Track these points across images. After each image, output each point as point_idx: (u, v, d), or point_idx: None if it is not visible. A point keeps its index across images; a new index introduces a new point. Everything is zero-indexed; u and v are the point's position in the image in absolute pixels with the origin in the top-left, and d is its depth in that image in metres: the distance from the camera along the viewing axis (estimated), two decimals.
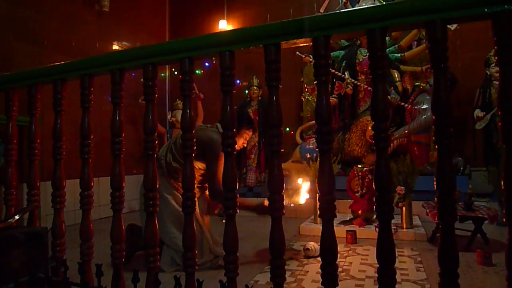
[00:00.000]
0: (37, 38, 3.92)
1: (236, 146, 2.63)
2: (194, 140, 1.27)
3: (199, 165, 2.39)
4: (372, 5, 1.03)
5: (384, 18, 1.00)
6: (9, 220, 1.43)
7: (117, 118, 1.40)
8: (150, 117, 1.34)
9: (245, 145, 2.83)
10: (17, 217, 1.43)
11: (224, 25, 5.90)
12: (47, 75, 1.55)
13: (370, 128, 4.09)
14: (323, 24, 1.06)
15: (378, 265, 1.02)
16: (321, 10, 4.71)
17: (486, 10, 0.93)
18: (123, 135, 1.41)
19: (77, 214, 3.90)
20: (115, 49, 5.12)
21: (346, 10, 1.05)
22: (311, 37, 1.09)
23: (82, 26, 4.50)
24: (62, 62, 1.52)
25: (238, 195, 1.22)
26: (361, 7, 1.05)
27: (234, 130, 1.21)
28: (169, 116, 5.31)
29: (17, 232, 1.33)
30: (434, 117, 0.98)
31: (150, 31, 5.92)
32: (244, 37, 1.17)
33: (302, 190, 2.91)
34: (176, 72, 5.68)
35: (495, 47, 0.94)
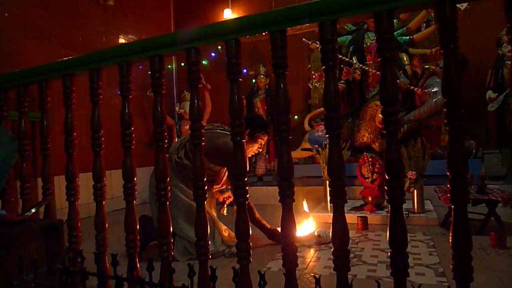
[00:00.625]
0: (44, 35, 3.95)
1: (251, 151, 2.64)
2: (203, 130, 1.28)
3: (212, 167, 2.42)
4: None
5: None
6: (26, 214, 1.46)
7: (126, 111, 1.41)
8: (159, 109, 1.35)
9: (260, 150, 2.78)
10: (33, 210, 1.46)
11: (229, 14, 5.85)
12: (56, 70, 1.57)
13: (379, 113, 4.06)
14: (329, 8, 1.04)
15: (390, 250, 1.03)
16: None
17: None
18: (133, 128, 1.42)
19: (91, 207, 3.97)
20: (122, 42, 5.13)
21: None
22: (317, 21, 1.07)
23: (88, 21, 4.52)
24: (70, 57, 1.53)
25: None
26: None
27: (242, 120, 1.21)
28: (177, 108, 5.34)
29: (35, 224, 1.37)
30: (444, 99, 0.96)
31: (156, 23, 5.91)
32: (249, 25, 1.16)
33: (307, 222, 2.83)
34: (183, 64, 5.67)
35: (507, 25, 0.92)
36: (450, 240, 0.96)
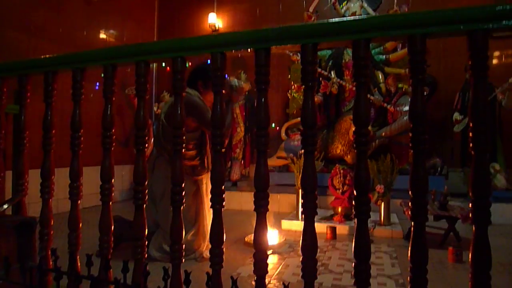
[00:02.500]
0: (24, 25, 3.86)
1: (210, 100, 2.67)
2: (184, 137, 1.32)
3: (189, 139, 2.46)
4: (357, 18, 1.09)
5: (368, 30, 1.07)
6: None
7: (109, 113, 1.43)
8: (142, 113, 1.38)
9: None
10: (5, 206, 1.45)
11: (214, 18, 5.89)
12: (39, 66, 1.56)
13: (353, 127, 4.20)
14: (311, 33, 1.11)
15: (355, 261, 1.10)
16: (310, 9, 4.78)
17: (461, 27, 1.01)
18: (113, 130, 1.44)
19: (60, 203, 3.88)
20: (103, 38, 5.07)
21: (334, 21, 1.10)
22: (300, 43, 1.14)
23: (69, 14, 4.44)
24: (55, 55, 1.53)
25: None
26: (347, 19, 1.11)
27: (223, 129, 1.26)
28: (155, 108, 5.32)
29: (7, 221, 1.36)
30: (411, 124, 1.05)
31: (138, 20, 5.88)
32: (236, 41, 1.22)
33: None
34: (164, 64, 5.66)
35: (469, 62, 1.02)
36: (409, 254, 1.04)
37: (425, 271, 1.03)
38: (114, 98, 1.46)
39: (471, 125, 1.01)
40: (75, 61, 1.49)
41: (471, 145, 1.01)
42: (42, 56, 1.55)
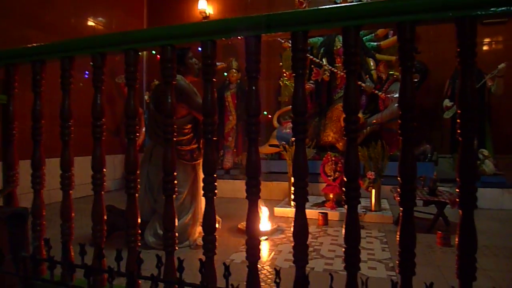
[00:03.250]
0: (9, 12, 3.76)
1: (192, 76, 2.64)
2: (176, 127, 1.32)
3: (183, 124, 2.46)
4: (347, 4, 1.09)
5: (358, 17, 1.07)
6: None
7: (98, 102, 1.42)
8: (132, 102, 1.37)
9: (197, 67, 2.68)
10: None
11: (204, 5, 5.81)
12: (26, 55, 1.54)
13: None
14: (302, 20, 1.11)
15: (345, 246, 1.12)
16: None
17: (450, 14, 1.01)
18: (104, 119, 1.43)
19: (52, 193, 3.86)
20: (91, 25, 4.98)
21: (323, 7, 1.10)
22: (290, 31, 1.14)
23: (57, 1, 4.35)
24: (42, 43, 1.50)
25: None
26: (337, 5, 1.11)
27: (216, 117, 1.26)
28: (146, 97, 5.27)
29: None
30: (400, 112, 1.06)
31: (128, 8, 5.77)
32: (226, 28, 1.21)
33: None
34: (154, 52, 5.58)
35: (457, 49, 1.03)
36: (397, 239, 1.07)
37: (413, 255, 1.06)
38: (103, 87, 1.45)
39: (458, 111, 1.03)
40: (63, 50, 1.47)
41: (458, 131, 1.03)
42: (29, 45, 1.52)
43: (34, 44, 1.53)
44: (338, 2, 4.58)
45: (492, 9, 0.98)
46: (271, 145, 4.62)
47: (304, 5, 4.63)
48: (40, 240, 1.47)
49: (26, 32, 3.90)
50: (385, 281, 1.84)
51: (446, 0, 1.00)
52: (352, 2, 4.50)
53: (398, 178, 1.06)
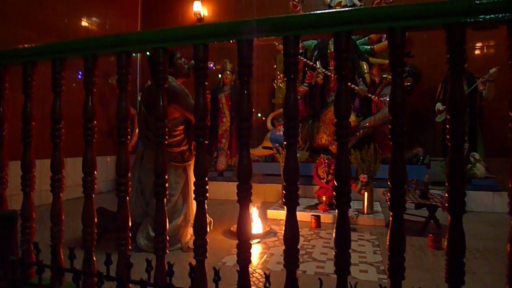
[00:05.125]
0: (2, 12, 3.73)
1: (182, 76, 2.62)
2: (167, 130, 1.31)
3: (174, 126, 2.44)
4: (339, 10, 1.10)
5: (350, 22, 1.08)
6: None
7: (90, 104, 1.41)
8: (123, 104, 1.36)
9: (187, 67, 2.68)
10: None
11: (199, 7, 5.81)
12: (17, 56, 1.53)
13: None
14: (294, 25, 1.12)
15: (335, 249, 1.13)
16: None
17: (440, 21, 1.02)
18: (95, 122, 1.43)
19: (43, 195, 3.83)
20: (85, 26, 4.95)
21: (316, 12, 1.10)
22: (282, 35, 1.14)
23: (49, 1, 4.31)
24: (33, 44, 1.49)
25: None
26: (329, 11, 1.12)
27: (207, 120, 1.26)
28: (139, 98, 5.24)
29: None
30: (390, 117, 1.07)
31: (122, 9, 5.75)
32: (218, 32, 1.21)
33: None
34: (148, 53, 5.56)
35: (447, 55, 1.04)
36: (387, 243, 1.07)
37: (402, 259, 1.06)
38: (95, 90, 1.44)
39: (448, 117, 1.04)
40: (55, 51, 1.46)
41: (448, 137, 1.04)
42: (20, 46, 1.51)
43: (25, 45, 1.51)
44: (332, 6, 4.61)
45: (481, 16, 0.99)
46: (264, 147, 4.63)
47: (298, 8, 4.65)
48: (29, 244, 1.46)
49: (18, 32, 3.87)
50: (376, 284, 1.85)
51: (436, 7, 1.02)
52: (346, 5, 4.53)
53: (388, 183, 1.07)
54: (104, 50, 1.39)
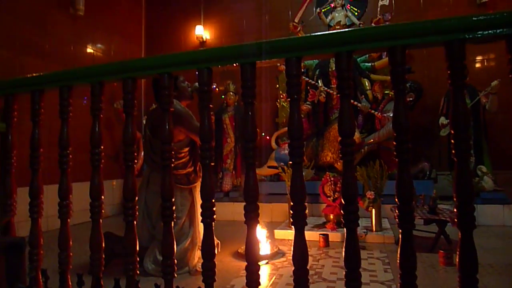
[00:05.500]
0: (10, 42, 3.84)
1: (187, 99, 2.64)
2: (173, 152, 1.32)
3: (180, 148, 2.45)
4: (339, 31, 1.12)
5: (350, 42, 1.10)
6: None
7: (97, 130, 1.43)
8: (130, 129, 1.38)
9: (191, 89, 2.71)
10: None
11: (201, 30, 5.94)
12: (25, 85, 1.56)
13: None
14: (295, 47, 1.14)
15: (345, 269, 1.11)
16: (296, 20, 4.85)
17: (439, 38, 1.04)
18: (102, 147, 1.44)
19: (50, 220, 3.83)
20: (90, 52, 5.07)
21: (316, 34, 1.13)
22: (284, 57, 1.17)
23: (56, 29, 4.44)
24: (41, 73, 1.53)
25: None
26: (330, 32, 1.14)
27: (213, 142, 1.27)
28: (144, 121, 5.29)
29: None
30: (394, 134, 1.08)
31: (126, 35, 5.89)
32: (221, 56, 1.24)
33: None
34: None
35: (448, 71, 1.06)
36: (397, 261, 1.06)
37: (414, 277, 1.04)
38: (102, 115, 1.46)
39: (452, 132, 1.04)
40: (62, 79, 1.49)
41: (453, 152, 1.04)
42: (29, 75, 1.55)
43: (34, 74, 1.55)
44: (332, 25, 4.69)
45: (479, 32, 1.01)
46: (269, 167, 4.62)
47: (298, 29, 4.73)
48: (38, 271, 1.45)
49: (25, 60, 3.97)
50: None
51: (434, 24, 1.04)
52: (346, 24, 4.61)
53: (396, 200, 1.06)
54: (110, 76, 1.42)
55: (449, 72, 1.05)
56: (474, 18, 1.00)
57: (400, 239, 1.06)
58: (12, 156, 1.63)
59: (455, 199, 1.01)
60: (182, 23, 6.24)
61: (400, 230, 1.06)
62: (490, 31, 1.00)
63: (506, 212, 3.71)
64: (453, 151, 1.03)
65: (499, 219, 3.72)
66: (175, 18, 6.30)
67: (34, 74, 1.56)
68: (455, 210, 1.03)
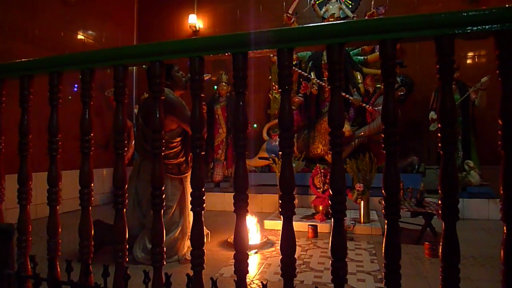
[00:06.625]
0: None
1: (181, 89, 2.64)
2: (164, 141, 1.33)
3: (171, 137, 2.45)
4: (332, 23, 1.13)
5: (342, 35, 1.10)
6: None
7: (87, 117, 1.42)
8: (120, 117, 1.38)
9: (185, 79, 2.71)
10: None
11: (194, 19, 5.88)
12: (14, 70, 1.54)
13: None
14: (287, 37, 1.14)
15: (332, 258, 1.14)
16: (290, 11, 4.83)
17: (430, 33, 1.06)
18: (92, 134, 1.44)
19: (39, 208, 3.81)
20: (81, 39, 4.99)
21: (309, 25, 1.13)
22: (276, 48, 1.17)
23: (46, 15, 4.36)
24: (31, 58, 1.51)
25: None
26: (321, 24, 1.15)
27: (204, 131, 1.28)
28: (136, 110, 5.26)
29: None
30: (383, 126, 1.09)
31: (118, 22, 5.80)
32: (213, 45, 1.24)
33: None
34: (144, 66, 5.60)
35: (437, 66, 1.07)
36: (383, 251, 1.08)
37: (398, 267, 1.07)
38: (92, 103, 1.45)
39: (439, 126, 1.06)
40: (52, 65, 1.47)
41: (439, 145, 1.06)
42: (18, 60, 1.53)
43: (23, 59, 1.53)
44: (326, 17, 4.68)
45: (468, 28, 1.02)
46: (260, 158, 4.64)
47: (292, 20, 4.72)
48: (26, 257, 1.45)
49: (14, 45, 3.89)
50: None
51: (425, 19, 1.05)
52: (340, 16, 4.61)
53: (383, 191, 1.08)
54: (101, 63, 1.41)
55: (437, 66, 1.07)
56: (464, 14, 1.01)
57: (385, 230, 1.09)
58: (1, 143, 1.61)
59: (440, 191, 1.04)
60: (175, 11, 6.17)
61: (386, 221, 1.09)
62: (479, 27, 1.01)
63: (492, 206, 3.79)
64: (440, 145, 1.05)
65: (485, 213, 3.80)
66: (168, 6, 6.23)
67: (24, 60, 1.53)
68: (439, 202, 1.05)
